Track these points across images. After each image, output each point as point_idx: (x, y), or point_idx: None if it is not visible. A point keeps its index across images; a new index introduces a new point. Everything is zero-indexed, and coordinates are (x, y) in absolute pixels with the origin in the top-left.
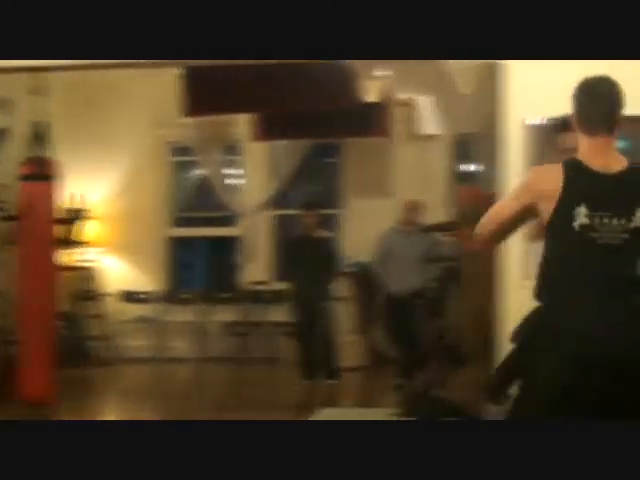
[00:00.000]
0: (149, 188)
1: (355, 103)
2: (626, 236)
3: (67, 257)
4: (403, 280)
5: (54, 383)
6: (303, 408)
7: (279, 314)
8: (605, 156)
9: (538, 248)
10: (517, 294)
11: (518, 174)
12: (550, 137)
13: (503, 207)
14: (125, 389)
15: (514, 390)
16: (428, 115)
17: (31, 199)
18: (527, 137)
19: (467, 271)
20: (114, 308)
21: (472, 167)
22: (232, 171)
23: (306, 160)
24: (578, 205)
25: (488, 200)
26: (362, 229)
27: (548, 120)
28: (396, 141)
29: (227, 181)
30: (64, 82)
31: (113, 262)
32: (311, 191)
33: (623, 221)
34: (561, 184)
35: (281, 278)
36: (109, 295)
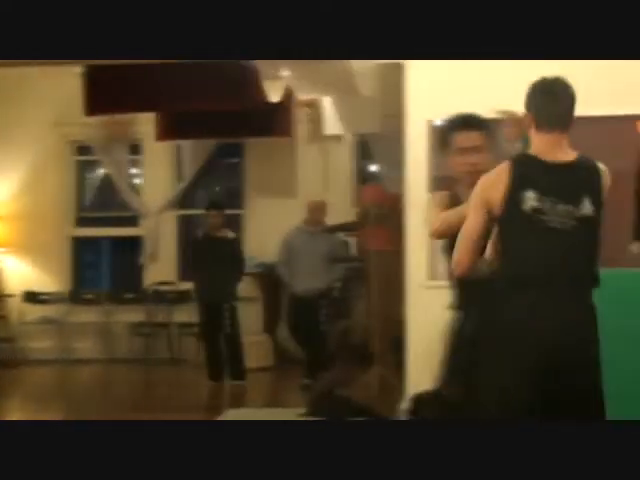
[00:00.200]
0: (52, 188)
1: (258, 103)
2: (574, 223)
3: None
4: (308, 280)
5: None
6: (210, 409)
7: (184, 315)
8: (557, 151)
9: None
10: (423, 294)
11: (422, 174)
12: (445, 137)
13: (468, 227)
14: (28, 391)
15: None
16: (332, 115)
17: None
18: (430, 137)
19: (372, 271)
20: (16, 309)
21: (375, 167)
22: (136, 170)
23: (210, 160)
24: (527, 190)
25: (391, 199)
26: (266, 229)
27: (442, 120)
28: (300, 141)
29: (130, 181)
30: None
31: (15, 263)
32: (215, 191)
33: (571, 207)
34: (508, 174)
35: (186, 278)
36: (11, 296)
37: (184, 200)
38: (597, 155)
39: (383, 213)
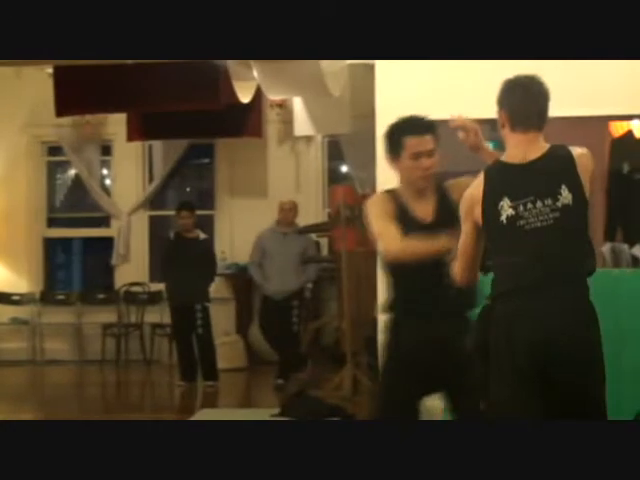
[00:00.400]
0: (23, 188)
1: (228, 103)
2: (557, 215)
3: None
4: (280, 281)
5: None
6: (182, 409)
7: (156, 315)
8: (529, 149)
9: None
10: None
11: (393, 175)
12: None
13: (462, 242)
14: (0, 392)
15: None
16: (302, 116)
17: None
18: None
19: (344, 272)
20: None
21: (346, 168)
22: (107, 171)
23: (181, 160)
24: (501, 199)
25: (362, 200)
26: (238, 230)
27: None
28: (271, 142)
29: (102, 181)
30: None
31: None
32: (186, 192)
33: (549, 201)
34: (483, 187)
35: (158, 279)
36: None
37: (155, 201)
38: None
39: (354, 214)
